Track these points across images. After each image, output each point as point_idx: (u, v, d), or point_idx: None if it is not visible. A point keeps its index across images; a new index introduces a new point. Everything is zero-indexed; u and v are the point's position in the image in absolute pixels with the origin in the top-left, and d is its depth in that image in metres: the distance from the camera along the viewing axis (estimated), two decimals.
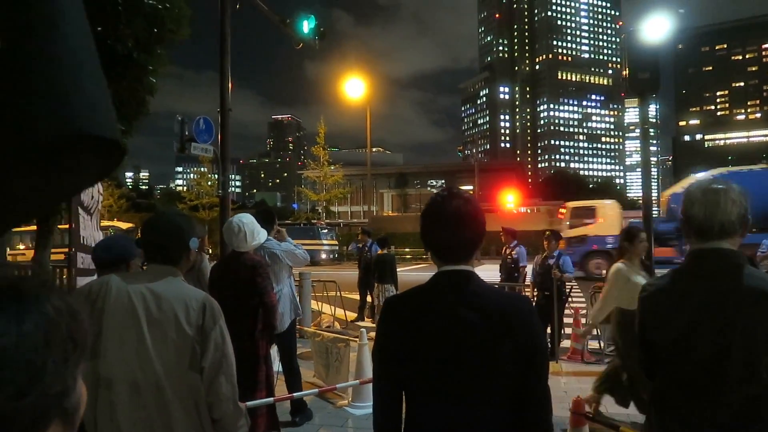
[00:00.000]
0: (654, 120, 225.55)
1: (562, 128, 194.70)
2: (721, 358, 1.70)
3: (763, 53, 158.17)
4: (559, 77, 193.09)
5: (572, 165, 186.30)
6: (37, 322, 0.53)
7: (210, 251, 18.50)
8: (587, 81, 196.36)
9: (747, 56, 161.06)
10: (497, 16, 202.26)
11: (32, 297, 0.55)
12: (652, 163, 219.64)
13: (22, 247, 20.10)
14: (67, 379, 0.56)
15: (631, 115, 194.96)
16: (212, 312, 1.96)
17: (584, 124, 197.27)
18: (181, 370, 1.89)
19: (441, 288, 1.55)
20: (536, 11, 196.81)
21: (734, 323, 1.68)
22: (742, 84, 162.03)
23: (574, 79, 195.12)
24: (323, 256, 29.93)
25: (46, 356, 0.53)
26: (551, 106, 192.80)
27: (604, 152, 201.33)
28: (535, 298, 7.47)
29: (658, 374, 1.93)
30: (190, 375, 1.90)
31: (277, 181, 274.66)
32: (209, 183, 36.71)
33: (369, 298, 10.73)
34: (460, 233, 1.54)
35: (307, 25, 10.37)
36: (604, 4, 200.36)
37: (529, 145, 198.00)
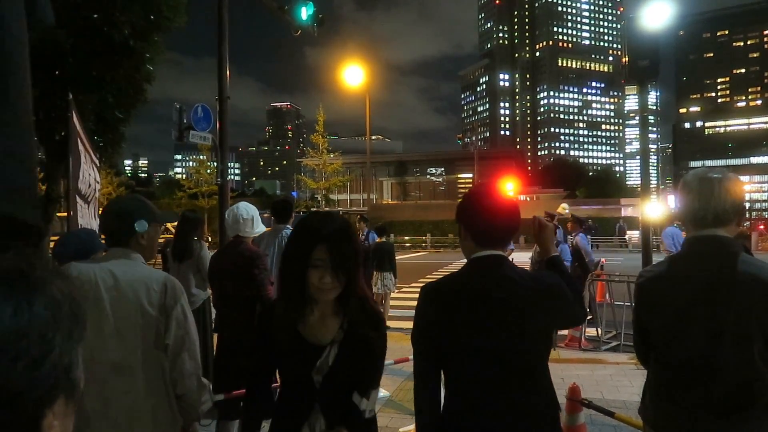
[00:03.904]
0: (654, 107, 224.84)
1: (562, 116, 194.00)
2: (714, 343, 1.72)
3: (765, 39, 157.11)
4: (560, 64, 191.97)
5: (572, 153, 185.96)
6: (45, 302, 0.59)
7: (209, 239, 18.50)
8: (588, 68, 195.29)
9: (749, 42, 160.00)
10: (497, 2, 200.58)
11: (39, 281, 0.60)
12: (652, 150, 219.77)
13: None
14: (72, 353, 0.61)
15: (632, 102, 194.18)
16: (173, 291, 1.99)
17: (584, 112, 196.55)
18: (146, 349, 1.93)
19: (475, 272, 1.70)
20: None
21: (728, 309, 1.70)
22: (743, 71, 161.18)
23: (574, 66, 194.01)
24: None
25: (55, 331, 0.59)
26: (551, 93, 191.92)
27: (604, 140, 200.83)
28: None
29: (653, 359, 1.95)
30: (156, 354, 1.95)
31: (277, 169, 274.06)
32: (208, 171, 36.61)
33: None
34: (505, 221, 1.72)
35: (305, 12, 10.26)
36: None
37: (528, 132, 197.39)
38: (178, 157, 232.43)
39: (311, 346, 1.68)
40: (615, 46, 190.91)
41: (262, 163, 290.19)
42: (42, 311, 0.58)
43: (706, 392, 1.75)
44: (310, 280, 1.60)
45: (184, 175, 66.98)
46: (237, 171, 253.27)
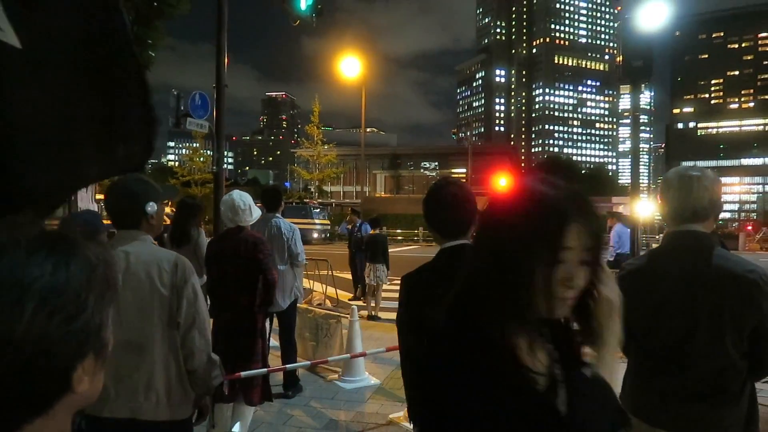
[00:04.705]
0: (649, 107, 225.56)
1: (556, 113, 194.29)
2: (689, 333, 1.82)
3: (759, 42, 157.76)
4: (556, 61, 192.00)
5: (566, 150, 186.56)
6: (81, 265, 0.64)
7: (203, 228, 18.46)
8: (583, 66, 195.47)
9: (743, 45, 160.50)
10: None
11: (76, 244, 0.66)
12: (644, 150, 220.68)
13: None
14: (103, 314, 0.66)
15: (626, 102, 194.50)
16: (184, 270, 2.08)
17: (579, 110, 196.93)
18: (160, 327, 2.02)
19: (444, 260, 1.90)
20: None
21: (702, 301, 1.80)
22: (737, 73, 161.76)
23: (570, 63, 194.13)
24: (315, 235, 30.00)
25: (89, 291, 0.63)
26: (547, 90, 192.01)
27: (597, 138, 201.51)
28: None
29: (632, 349, 2.06)
30: (169, 331, 2.04)
31: (270, 159, 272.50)
32: (201, 159, 36.44)
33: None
34: (456, 213, 1.89)
35: (304, 2, 10.25)
36: None
37: (523, 129, 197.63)
38: (171, 144, 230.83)
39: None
40: (611, 44, 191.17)
41: (255, 153, 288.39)
42: (78, 272, 0.62)
43: (681, 379, 1.85)
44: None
45: (177, 163, 66.39)
46: (230, 160, 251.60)
